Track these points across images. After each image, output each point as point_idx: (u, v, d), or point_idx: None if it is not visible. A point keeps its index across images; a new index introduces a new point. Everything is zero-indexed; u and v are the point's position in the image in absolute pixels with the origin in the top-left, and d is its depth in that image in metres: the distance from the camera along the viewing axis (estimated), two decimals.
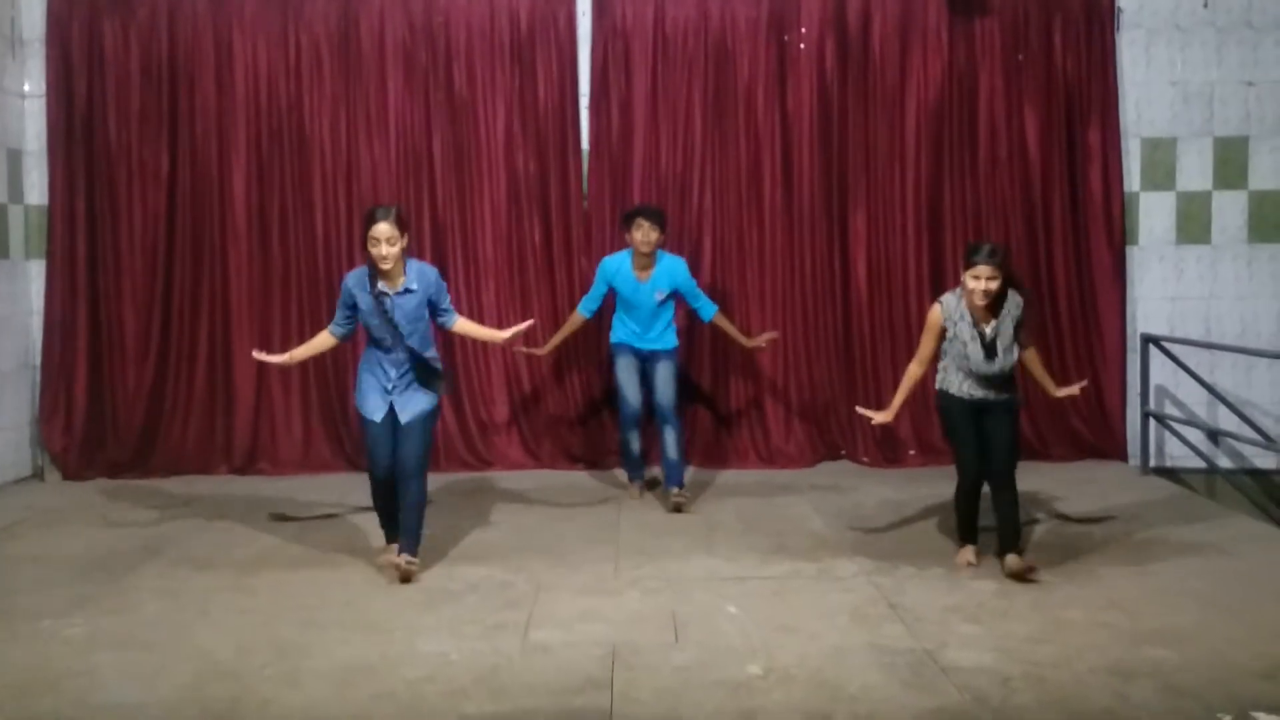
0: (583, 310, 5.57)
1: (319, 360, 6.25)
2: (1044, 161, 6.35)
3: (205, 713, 3.09)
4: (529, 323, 4.65)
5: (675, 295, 5.42)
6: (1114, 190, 6.34)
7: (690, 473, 6.03)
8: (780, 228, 6.35)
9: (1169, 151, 6.46)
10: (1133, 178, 6.44)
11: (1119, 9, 6.36)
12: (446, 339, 5.69)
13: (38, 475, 6.31)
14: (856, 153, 6.34)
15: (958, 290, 4.26)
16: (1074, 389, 4.62)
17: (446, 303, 4.38)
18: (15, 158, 6.26)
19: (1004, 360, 4.19)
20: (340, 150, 6.28)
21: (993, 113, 6.34)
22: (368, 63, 6.25)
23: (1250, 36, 6.40)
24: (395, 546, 4.35)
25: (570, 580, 4.21)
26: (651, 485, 5.72)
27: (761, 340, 5.61)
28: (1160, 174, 6.46)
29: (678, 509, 5.27)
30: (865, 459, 6.34)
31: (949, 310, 4.24)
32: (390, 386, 4.29)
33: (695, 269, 6.04)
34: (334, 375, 6.32)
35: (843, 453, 6.41)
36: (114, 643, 3.60)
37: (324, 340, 4.44)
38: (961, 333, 4.20)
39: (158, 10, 6.20)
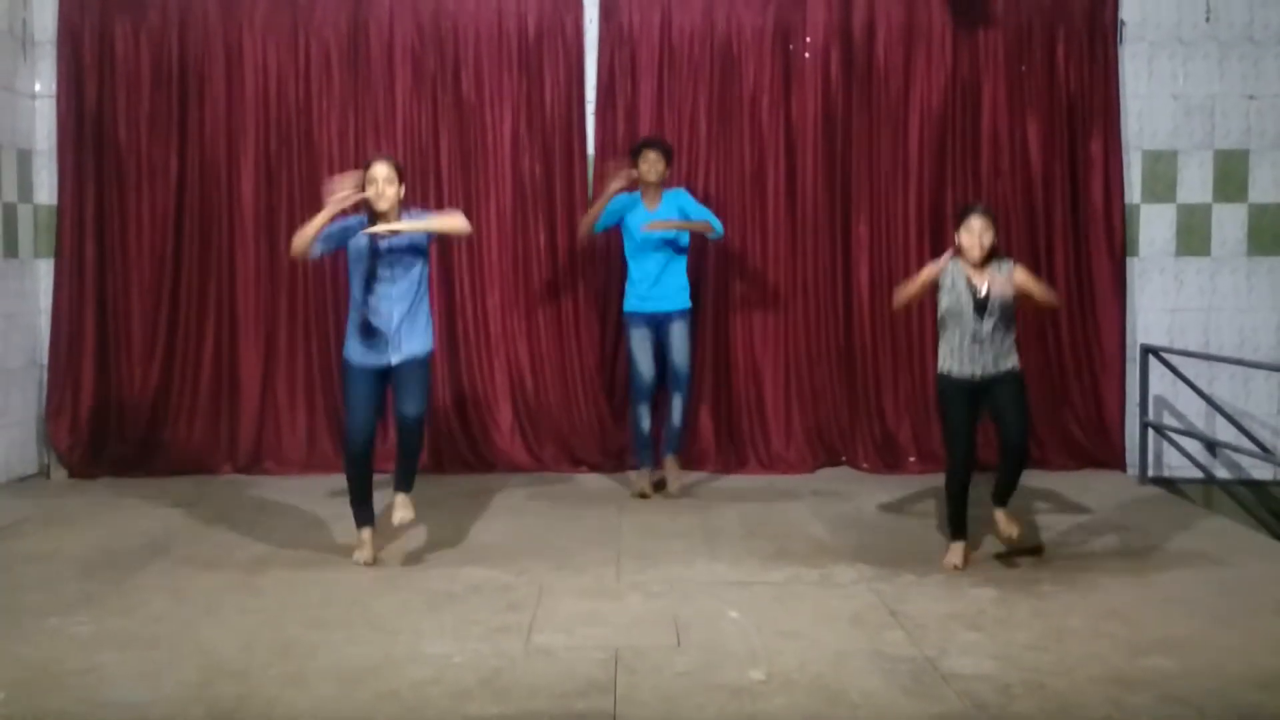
0: (595, 227, 5.66)
1: (323, 361, 6.33)
2: (1046, 172, 6.38)
3: (211, 712, 3.11)
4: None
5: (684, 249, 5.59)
6: (1115, 201, 6.38)
7: (692, 478, 6.07)
8: (783, 234, 6.39)
9: (1170, 164, 6.50)
10: (1134, 189, 6.48)
11: (1122, 22, 6.40)
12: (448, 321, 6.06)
13: (44, 473, 6.33)
14: (860, 161, 6.38)
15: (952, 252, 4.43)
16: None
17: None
18: (25, 157, 6.30)
19: (997, 318, 4.32)
20: (348, 153, 6.30)
21: (995, 123, 6.38)
22: (376, 67, 6.29)
23: (1252, 51, 6.44)
24: (367, 531, 4.42)
25: (573, 583, 4.24)
26: (659, 486, 5.75)
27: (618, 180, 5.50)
28: (1161, 186, 6.50)
29: (661, 484, 5.39)
30: (865, 465, 6.37)
31: (948, 267, 4.38)
32: (385, 328, 4.27)
33: (698, 273, 6.09)
34: (338, 375, 6.32)
35: (843, 459, 6.43)
36: (120, 641, 3.61)
37: (303, 240, 4.28)
38: (958, 284, 4.34)
39: (168, 13, 6.24)
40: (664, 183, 5.61)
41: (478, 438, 6.39)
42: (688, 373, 5.60)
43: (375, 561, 4.44)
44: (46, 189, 6.36)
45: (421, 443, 4.54)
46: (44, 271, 6.36)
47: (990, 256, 4.36)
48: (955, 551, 4.44)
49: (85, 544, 4.82)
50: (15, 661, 3.45)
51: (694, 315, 5.76)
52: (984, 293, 4.32)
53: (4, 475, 6.05)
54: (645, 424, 5.65)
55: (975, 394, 4.38)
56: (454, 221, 4.49)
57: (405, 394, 4.36)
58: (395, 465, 4.53)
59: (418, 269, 4.37)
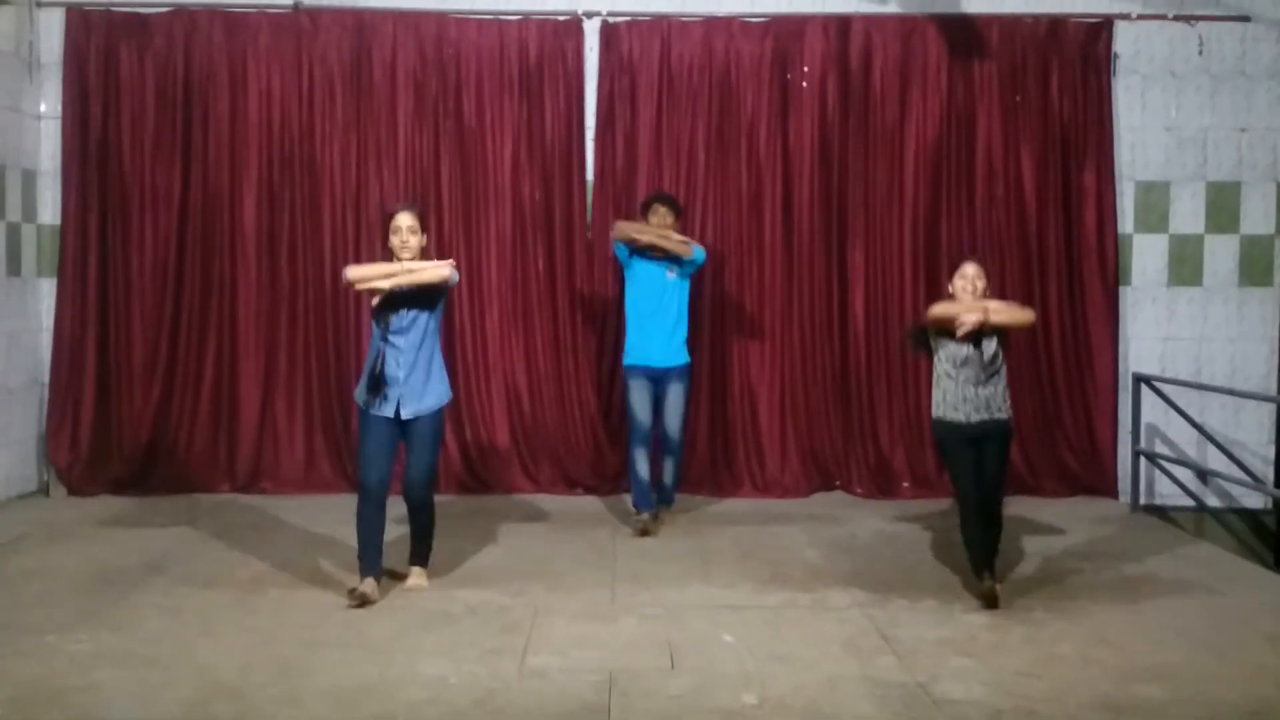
0: (623, 240, 5.50)
1: (322, 382, 6.40)
2: (1040, 202, 6.46)
3: None
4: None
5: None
6: (1108, 232, 6.45)
7: (687, 501, 6.09)
8: (780, 261, 6.45)
9: (1162, 195, 6.58)
10: (1126, 220, 6.55)
11: (1115, 55, 6.50)
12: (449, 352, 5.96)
13: (44, 491, 6.36)
14: (856, 189, 6.46)
15: None
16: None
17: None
18: (30, 178, 6.37)
19: (991, 366, 4.37)
20: (350, 176, 6.39)
21: (990, 153, 6.46)
22: (379, 91, 6.37)
23: (1243, 84, 6.54)
24: (370, 583, 4.28)
25: (567, 605, 4.27)
26: (656, 519, 5.64)
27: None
28: (1154, 217, 6.58)
29: (645, 532, 5.40)
30: (859, 490, 6.41)
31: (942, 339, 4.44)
32: (393, 378, 4.25)
33: (695, 299, 6.13)
34: (337, 397, 6.39)
35: (837, 484, 6.47)
36: (117, 659, 3.64)
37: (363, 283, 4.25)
38: (949, 345, 4.38)
39: (173, 37, 6.32)
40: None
41: (475, 459, 6.42)
42: (679, 439, 5.61)
43: (364, 605, 4.22)
44: (50, 209, 6.42)
45: (432, 518, 4.49)
46: (46, 291, 6.41)
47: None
48: (988, 581, 4.34)
49: (84, 561, 4.85)
50: (13, 678, 3.47)
51: (691, 370, 5.70)
52: (978, 345, 4.35)
53: (4, 492, 6.08)
54: (643, 469, 5.53)
55: (972, 438, 4.39)
56: (434, 273, 4.28)
57: (413, 456, 4.37)
58: (410, 537, 4.54)
59: (424, 319, 4.32)
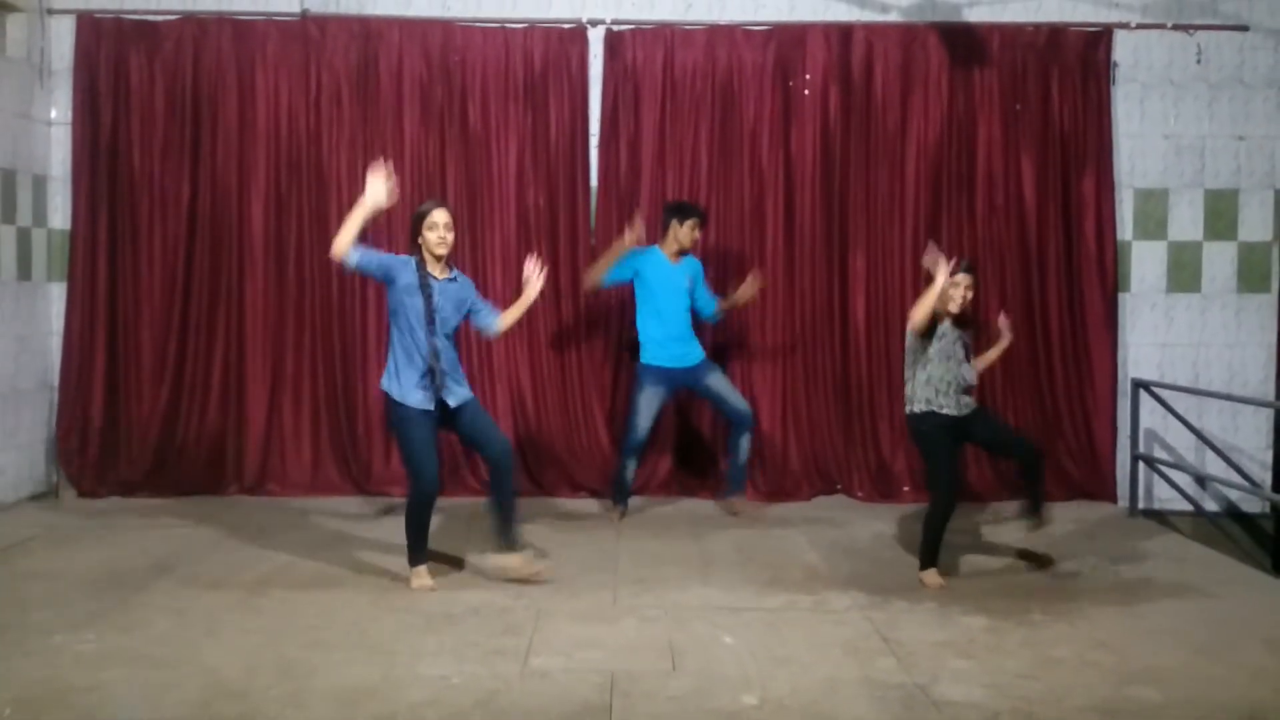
0: (604, 279, 5.74)
1: (329, 385, 6.44)
2: (1039, 209, 6.50)
3: None
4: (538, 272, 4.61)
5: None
6: (1107, 238, 6.49)
7: (688, 504, 6.14)
8: (781, 267, 6.50)
9: (1161, 202, 6.62)
10: (1125, 227, 6.59)
11: (1114, 63, 6.55)
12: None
13: (53, 492, 6.42)
14: (857, 196, 6.50)
15: None
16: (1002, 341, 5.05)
17: (483, 303, 4.59)
18: (40, 183, 6.43)
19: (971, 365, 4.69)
20: (357, 182, 6.38)
21: (990, 160, 6.51)
22: (385, 98, 6.43)
23: (1241, 93, 6.58)
24: (424, 569, 4.52)
25: (569, 607, 4.30)
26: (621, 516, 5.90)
27: (749, 288, 5.77)
28: (1152, 224, 6.62)
29: (736, 513, 5.84)
30: (860, 494, 6.44)
31: (949, 327, 4.67)
32: (431, 375, 4.33)
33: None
34: (343, 400, 6.44)
35: (838, 487, 6.51)
36: (124, 659, 3.66)
37: (345, 241, 4.24)
38: (947, 332, 4.61)
39: (182, 44, 6.38)
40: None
41: (479, 462, 6.45)
42: (749, 410, 5.82)
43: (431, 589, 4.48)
44: (60, 214, 6.49)
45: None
46: (56, 295, 6.47)
47: (962, 318, 4.68)
48: (934, 573, 4.66)
49: (92, 563, 4.89)
50: (21, 678, 3.50)
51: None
52: (967, 342, 4.66)
53: (14, 494, 6.13)
54: (629, 475, 5.89)
55: (959, 428, 4.62)
56: (525, 301, 4.61)
57: (484, 433, 4.51)
58: (497, 518, 4.56)
59: (456, 322, 4.51)
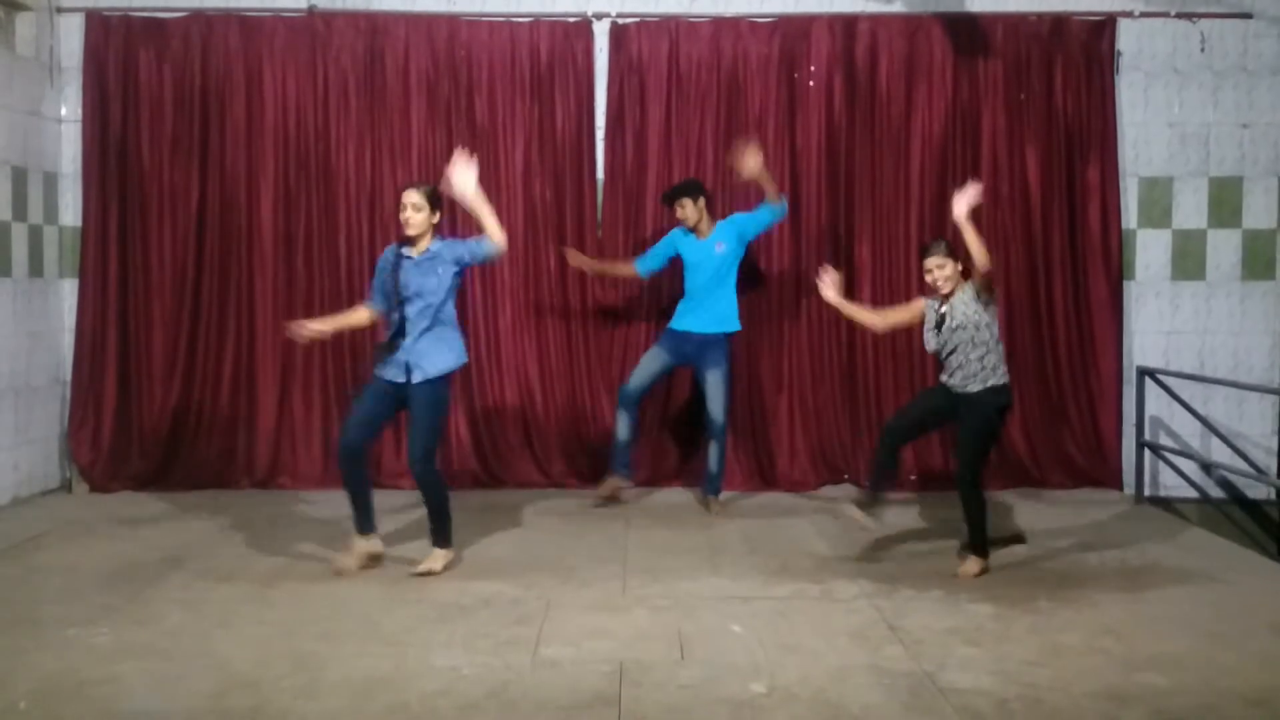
0: (638, 265, 6.00)
1: (339, 378, 6.46)
2: (1044, 198, 6.51)
3: None
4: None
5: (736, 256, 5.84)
6: (1112, 227, 6.50)
7: (694, 495, 6.17)
8: (787, 256, 6.52)
9: (1166, 190, 6.63)
10: (1130, 215, 6.60)
11: (1118, 52, 6.54)
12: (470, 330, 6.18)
13: (66, 487, 6.47)
14: (862, 186, 6.52)
15: None
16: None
17: (473, 243, 4.56)
18: (51, 180, 6.47)
19: (948, 338, 4.62)
20: (364, 177, 6.47)
21: (995, 150, 6.51)
22: (392, 93, 6.45)
23: (1246, 80, 6.57)
24: (358, 540, 4.60)
25: (579, 597, 4.33)
26: (614, 499, 5.93)
27: (749, 158, 5.58)
28: (1157, 212, 6.62)
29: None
30: (867, 483, 6.46)
31: (931, 301, 4.75)
32: (396, 344, 4.46)
33: None
34: (353, 393, 6.46)
35: (845, 476, 6.53)
36: (138, 652, 3.69)
37: (359, 315, 4.74)
38: (929, 317, 4.71)
39: (190, 41, 6.41)
40: (710, 216, 5.85)
41: (488, 453, 6.51)
42: (722, 422, 5.78)
43: (342, 573, 4.55)
44: (71, 211, 6.53)
45: (439, 493, 4.57)
46: (68, 291, 6.51)
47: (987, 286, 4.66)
48: (858, 507, 4.81)
49: (105, 556, 4.93)
50: (36, 671, 3.54)
51: (729, 351, 5.87)
52: (940, 317, 4.67)
53: (27, 489, 6.19)
54: (624, 434, 5.85)
55: (952, 396, 4.67)
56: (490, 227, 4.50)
57: (413, 428, 4.52)
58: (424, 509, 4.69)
59: (434, 298, 4.48)
